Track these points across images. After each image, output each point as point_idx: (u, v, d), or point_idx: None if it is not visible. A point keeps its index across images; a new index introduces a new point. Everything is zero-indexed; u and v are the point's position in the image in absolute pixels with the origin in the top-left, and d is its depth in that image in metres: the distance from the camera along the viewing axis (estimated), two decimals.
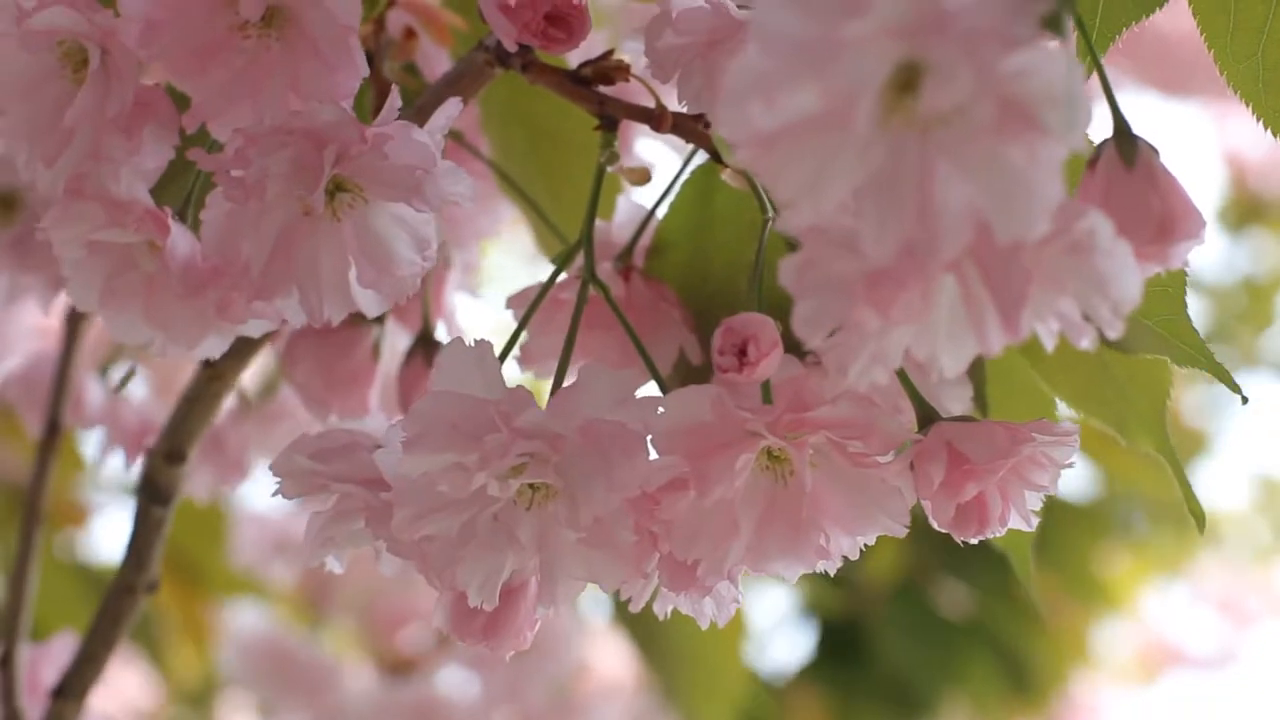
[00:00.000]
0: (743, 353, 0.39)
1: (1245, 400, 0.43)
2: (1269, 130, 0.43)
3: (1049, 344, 0.34)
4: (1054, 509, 1.56)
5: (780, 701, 1.64)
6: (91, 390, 0.74)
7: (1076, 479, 1.67)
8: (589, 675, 1.63)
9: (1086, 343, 0.33)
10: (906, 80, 0.30)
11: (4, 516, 1.41)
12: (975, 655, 1.56)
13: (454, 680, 1.35)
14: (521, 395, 0.40)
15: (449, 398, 0.40)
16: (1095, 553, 1.69)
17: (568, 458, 0.40)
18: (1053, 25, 0.30)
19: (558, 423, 0.40)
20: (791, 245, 0.34)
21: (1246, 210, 2.48)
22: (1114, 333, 0.33)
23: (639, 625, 1.25)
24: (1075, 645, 1.71)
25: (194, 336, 0.47)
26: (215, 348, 0.48)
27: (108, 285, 0.47)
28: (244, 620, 1.39)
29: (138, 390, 0.77)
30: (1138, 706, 2.50)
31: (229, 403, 0.72)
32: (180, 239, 0.45)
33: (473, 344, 0.41)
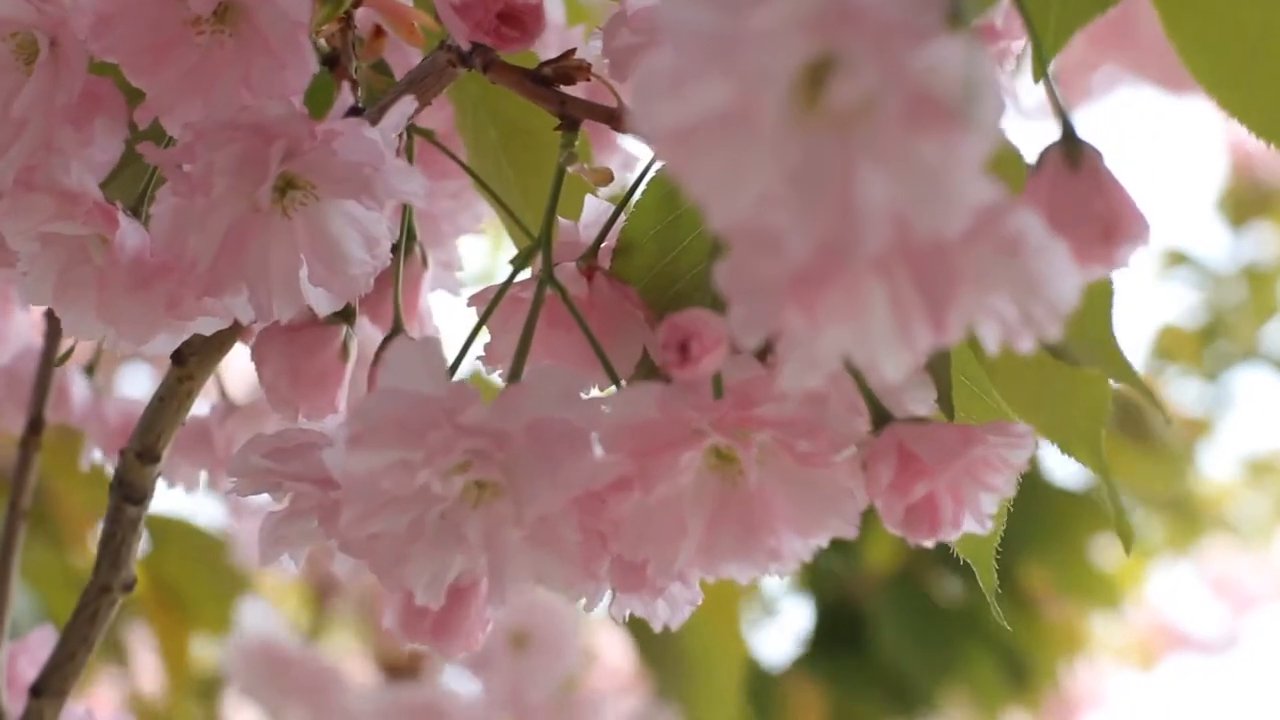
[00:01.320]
0: (684, 348, 0.38)
1: (1168, 422, 0.42)
2: (1237, 121, 0.41)
3: (991, 346, 0.32)
4: (1050, 498, 1.55)
5: (778, 690, 1.62)
6: (76, 387, 0.74)
7: (1072, 469, 1.66)
8: (595, 668, 1.63)
9: (1025, 345, 0.32)
10: (819, 75, 0.29)
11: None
12: (972, 646, 1.55)
13: (456, 682, 1.34)
14: (467, 392, 0.39)
15: (393, 394, 0.39)
16: (1094, 542, 1.67)
17: (513, 455, 0.39)
18: (957, 18, 0.29)
19: (503, 420, 0.39)
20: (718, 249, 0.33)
21: (1250, 202, 2.47)
22: (1051, 335, 0.32)
23: (639, 623, 1.25)
24: (1071, 638, 1.69)
25: (144, 332, 0.46)
26: (166, 344, 0.47)
27: (61, 279, 0.46)
28: (246, 623, 1.38)
29: (143, 385, 0.76)
30: (1139, 691, 2.50)
31: (214, 400, 0.71)
32: (130, 233, 0.44)
33: (419, 341, 0.40)
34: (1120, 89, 1.91)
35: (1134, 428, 1.75)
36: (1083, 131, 0.36)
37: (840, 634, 1.60)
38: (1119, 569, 1.73)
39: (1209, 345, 2.34)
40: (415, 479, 0.38)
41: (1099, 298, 0.40)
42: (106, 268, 0.45)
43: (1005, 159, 0.34)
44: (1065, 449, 0.45)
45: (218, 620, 1.43)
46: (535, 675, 1.23)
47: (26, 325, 0.85)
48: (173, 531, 1.42)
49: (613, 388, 0.45)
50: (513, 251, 0.52)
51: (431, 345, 0.40)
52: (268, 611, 1.45)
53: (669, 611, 0.43)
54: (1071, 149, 0.36)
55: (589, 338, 0.45)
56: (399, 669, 1.46)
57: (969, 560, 0.49)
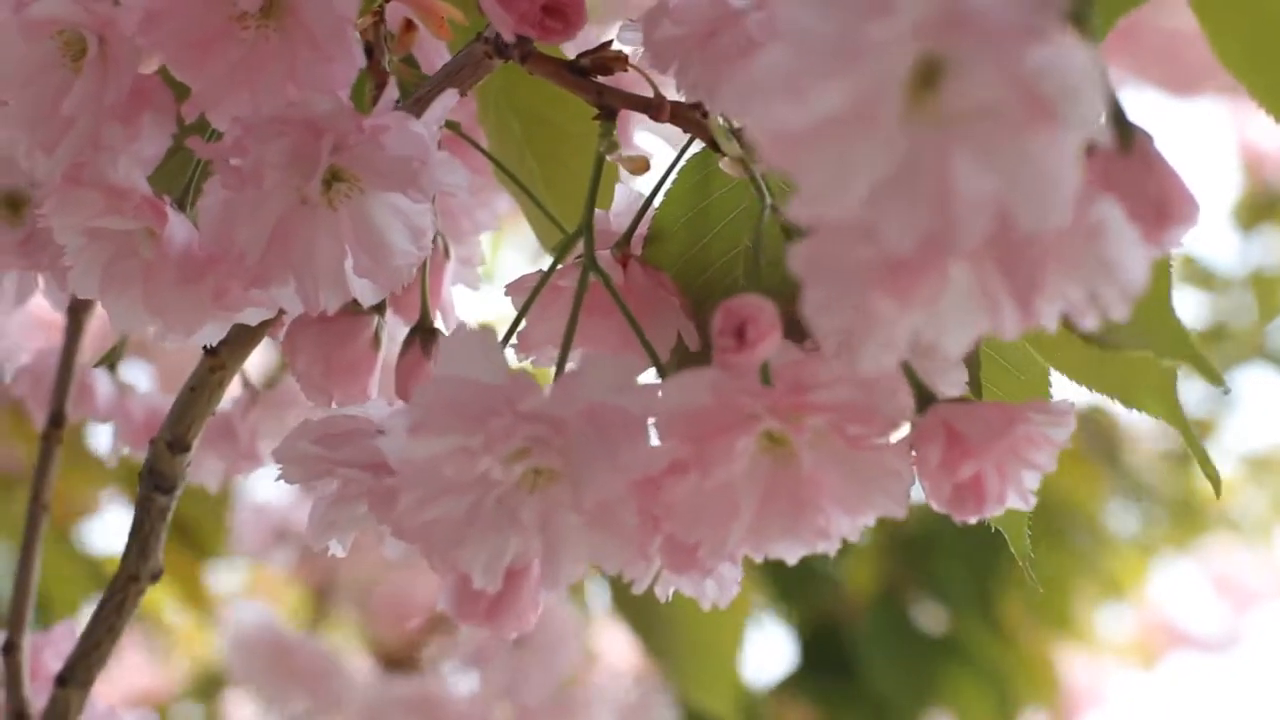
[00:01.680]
0: (741, 333, 0.38)
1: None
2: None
3: (1050, 325, 0.33)
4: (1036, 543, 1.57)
5: (765, 712, 1.64)
6: (100, 383, 0.74)
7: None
8: (594, 665, 1.63)
9: (1089, 324, 0.33)
10: (928, 75, 0.29)
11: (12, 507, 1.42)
12: (956, 672, 1.56)
13: (454, 675, 1.34)
14: (525, 380, 0.40)
15: (454, 382, 0.40)
16: (1072, 581, 1.69)
17: (571, 442, 0.40)
18: (1074, 19, 0.29)
19: (561, 407, 0.40)
20: (789, 233, 0.33)
21: (1261, 206, 2.47)
22: (1120, 315, 0.33)
23: (639, 614, 1.25)
24: (1045, 674, 1.71)
25: (192, 323, 0.47)
26: (213, 335, 0.47)
27: (107, 272, 0.46)
28: (244, 615, 1.39)
29: (142, 381, 0.76)
30: (1140, 690, 2.50)
31: (236, 392, 0.72)
32: (178, 226, 0.44)
33: (477, 331, 0.41)
34: (1125, 91, 1.92)
35: (1104, 448, 1.77)
36: (1132, 115, 0.37)
37: (826, 656, 1.61)
38: (1119, 567, 1.74)
39: (1214, 346, 2.35)
40: (476, 465, 0.39)
41: (1160, 277, 0.40)
42: (154, 261, 0.45)
43: None
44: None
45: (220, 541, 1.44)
46: (534, 671, 1.23)
47: (31, 324, 0.85)
48: None
49: (657, 372, 0.46)
50: (515, 250, 0.53)
51: (488, 335, 0.40)
52: (264, 609, 1.46)
53: (717, 590, 0.44)
54: (1123, 132, 0.37)
55: (632, 324, 0.46)
56: (396, 665, 1.47)
57: (1002, 530, 0.50)
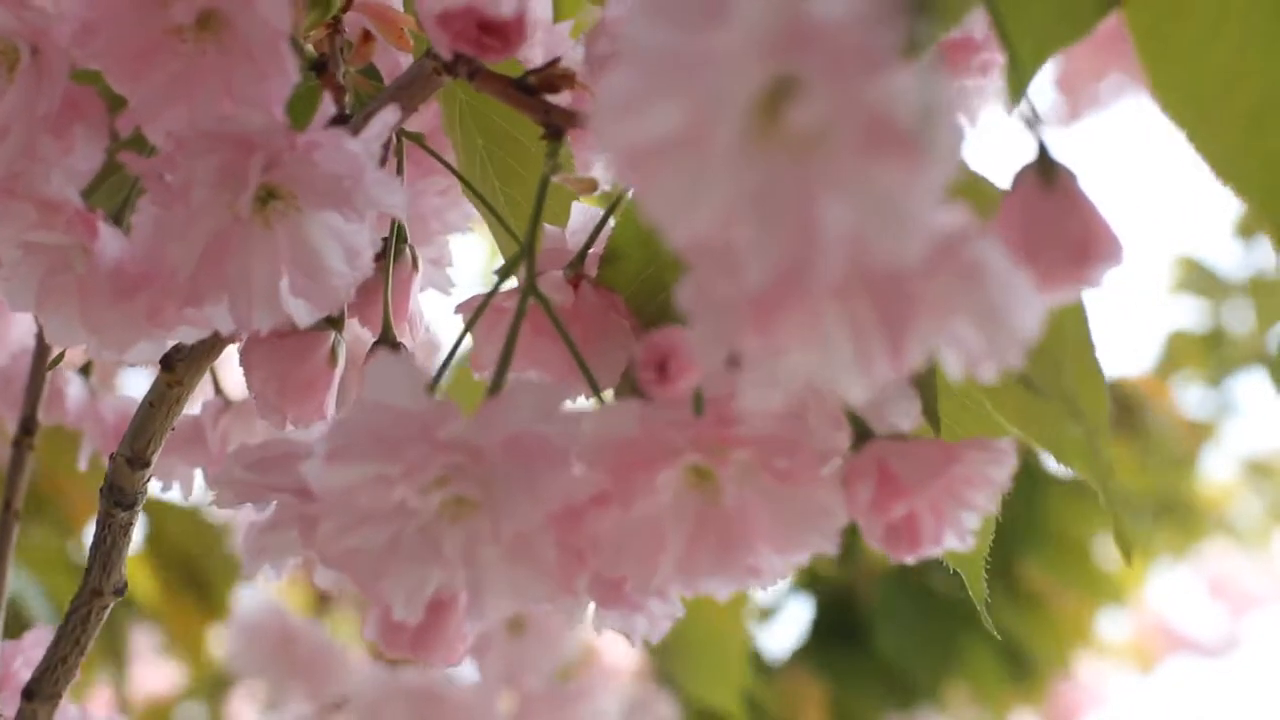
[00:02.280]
0: (662, 367, 0.37)
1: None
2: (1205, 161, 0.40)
3: (955, 373, 0.32)
4: (1051, 492, 1.53)
5: (778, 683, 1.61)
6: (71, 387, 0.73)
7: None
8: (595, 660, 1.61)
9: (987, 373, 0.32)
10: (778, 95, 0.28)
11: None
12: (972, 639, 1.53)
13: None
14: (446, 407, 0.38)
15: (371, 409, 0.38)
16: (1096, 536, 1.65)
17: (490, 471, 0.38)
18: (915, 45, 0.28)
19: (481, 435, 0.38)
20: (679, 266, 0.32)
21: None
22: (1013, 363, 0.32)
23: None
24: (1074, 631, 1.67)
25: (126, 341, 0.46)
26: (148, 353, 0.46)
27: (43, 286, 0.46)
28: (248, 602, 1.38)
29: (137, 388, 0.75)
30: (1138, 693, 2.49)
31: (207, 401, 0.71)
32: (110, 242, 0.43)
33: (398, 356, 0.40)
34: (1128, 97, 1.90)
35: (1130, 425, 1.74)
36: (1060, 150, 0.35)
37: (840, 627, 1.59)
38: (1119, 571, 1.71)
39: (1215, 350, 2.33)
40: (393, 494, 0.38)
41: (1072, 321, 0.39)
42: (88, 276, 0.45)
43: (972, 185, 0.33)
44: (1061, 460, 0.44)
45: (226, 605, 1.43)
46: (532, 661, 1.22)
47: (25, 329, 0.84)
48: (174, 517, 1.42)
49: (596, 398, 0.45)
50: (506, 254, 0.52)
51: (409, 359, 0.39)
52: (268, 597, 1.45)
53: (648, 626, 0.43)
54: (1045, 169, 0.36)
55: (571, 349, 0.45)
56: (398, 662, 1.46)
57: (959, 570, 0.48)
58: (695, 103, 0.27)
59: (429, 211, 0.63)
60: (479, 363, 0.49)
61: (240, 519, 1.38)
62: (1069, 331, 0.38)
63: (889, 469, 0.38)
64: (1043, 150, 0.36)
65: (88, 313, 0.45)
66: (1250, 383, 2.36)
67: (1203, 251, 2.44)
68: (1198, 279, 2.39)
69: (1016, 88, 0.35)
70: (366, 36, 0.54)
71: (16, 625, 1.18)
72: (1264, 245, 2.48)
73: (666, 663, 1.31)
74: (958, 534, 0.40)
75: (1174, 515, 2.04)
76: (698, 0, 0.27)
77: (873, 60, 0.26)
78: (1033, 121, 0.35)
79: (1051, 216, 0.35)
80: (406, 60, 0.57)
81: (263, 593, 1.45)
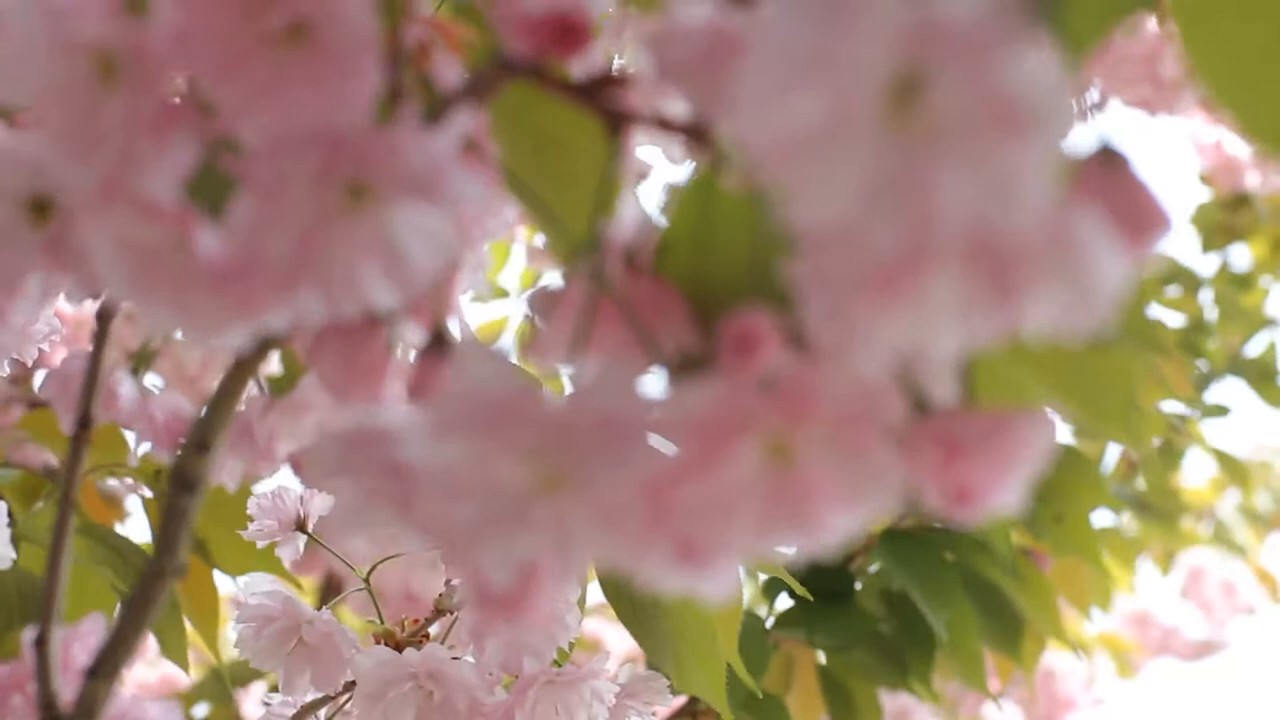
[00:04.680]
0: (743, 345, 0.39)
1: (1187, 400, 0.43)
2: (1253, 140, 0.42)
3: (1034, 333, 0.34)
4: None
5: (769, 646, 1.61)
6: (124, 386, 0.75)
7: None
8: (592, 645, 1.63)
9: (1077, 329, 0.34)
10: (905, 86, 0.30)
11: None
12: (965, 601, 1.52)
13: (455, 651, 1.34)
14: (538, 389, 0.40)
15: (470, 390, 0.40)
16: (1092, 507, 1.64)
17: (581, 447, 0.40)
18: (1040, 31, 0.30)
19: (573, 414, 0.40)
20: (791, 246, 0.34)
21: (1226, 227, 2.48)
22: (1104, 318, 0.34)
23: (630, 606, 1.24)
24: (1067, 588, 1.66)
25: (218, 328, 0.47)
26: (238, 340, 0.48)
27: (137, 278, 0.47)
28: (255, 585, 1.39)
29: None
30: (1123, 695, 2.50)
31: (252, 395, 0.72)
32: (206, 237, 0.45)
33: (489, 343, 0.41)
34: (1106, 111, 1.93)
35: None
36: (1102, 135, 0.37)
37: (832, 590, 1.58)
38: (1110, 561, 1.72)
39: (1190, 360, 2.35)
40: (491, 469, 0.40)
41: (1137, 285, 0.41)
42: (183, 268, 0.46)
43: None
44: (1099, 424, 0.46)
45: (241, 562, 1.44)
46: (531, 646, 1.23)
47: (52, 321, 0.86)
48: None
49: (662, 380, 0.46)
50: (511, 268, 0.54)
51: (499, 347, 0.41)
52: (275, 580, 1.46)
53: (717, 585, 0.45)
54: (1103, 148, 0.38)
55: (640, 333, 0.47)
56: (401, 643, 1.46)
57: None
58: (832, 94, 0.29)
59: (471, 218, 0.64)
60: (541, 352, 0.50)
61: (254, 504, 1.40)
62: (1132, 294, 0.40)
63: (951, 434, 0.40)
64: (1099, 130, 0.38)
65: (182, 303, 0.47)
66: (1233, 385, 2.38)
67: (1179, 260, 2.46)
68: (1174, 288, 2.41)
69: (1071, 65, 0.36)
70: (425, 45, 0.56)
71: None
72: (1231, 255, 2.50)
73: (655, 655, 1.32)
74: (1007, 497, 0.42)
75: (1158, 517, 2.06)
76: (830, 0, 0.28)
77: (994, 49, 0.28)
78: (1088, 107, 0.36)
79: (1109, 191, 0.37)
80: (456, 69, 0.59)
81: (270, 581, 1.46)
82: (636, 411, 0.40)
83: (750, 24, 0.30)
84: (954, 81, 0.29)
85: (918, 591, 1.45)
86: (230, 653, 1.56)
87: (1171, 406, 2.33)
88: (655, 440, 0.41)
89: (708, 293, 0.53)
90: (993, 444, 0.41)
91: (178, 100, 0.46)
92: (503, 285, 2.75)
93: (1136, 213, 0.36)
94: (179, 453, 0.61)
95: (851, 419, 0.39)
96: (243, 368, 0.56)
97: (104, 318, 0.74)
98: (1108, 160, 0.37)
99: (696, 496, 0.40)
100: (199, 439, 0.60)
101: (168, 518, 0.62)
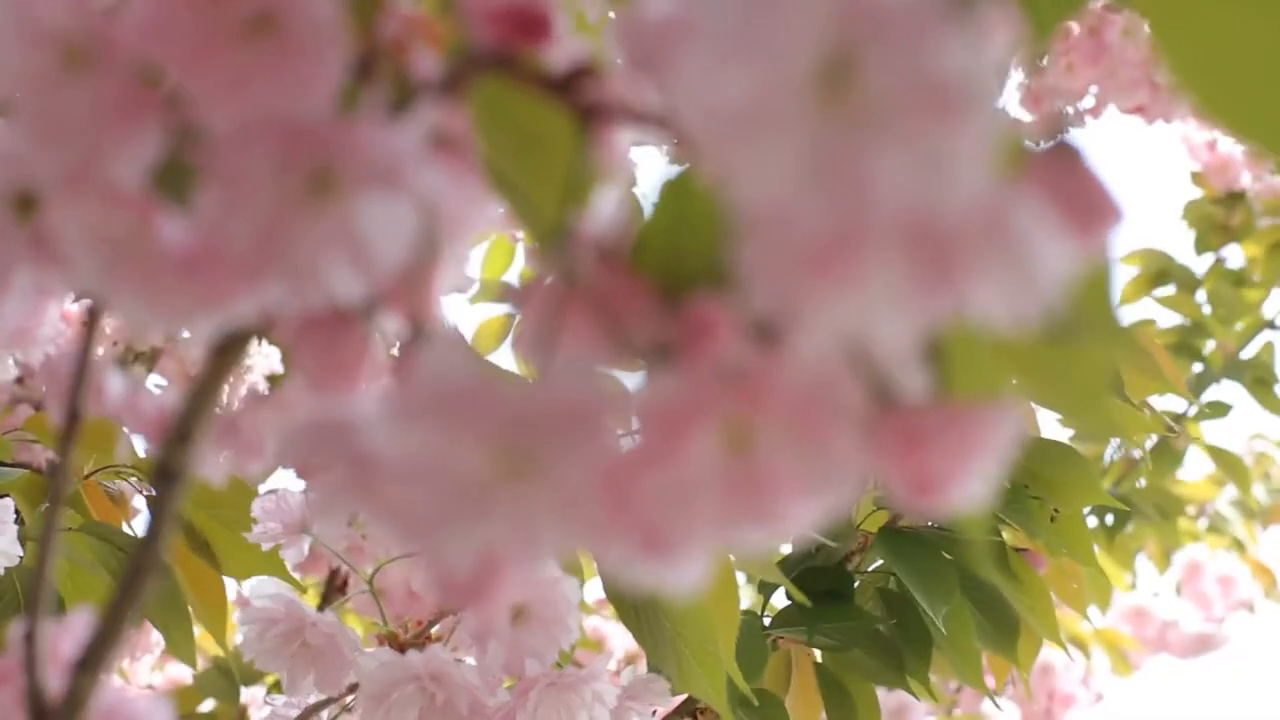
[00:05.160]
0: (701, 334, 0.39)
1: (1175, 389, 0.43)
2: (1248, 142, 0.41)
3: (987, 323, 0.33)
4: (1044, 456, 1.51)
5: (767, 647, 1.60)
6: (112, 381, 0.74)
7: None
8: (595, 646, 1.62)
9: (1020, 321, 0.33)
10: (838, 66, 0.29)
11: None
12: (959, 609, 1.51)
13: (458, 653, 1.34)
14: (501, 376, 0.40)
15: (432, 378, 0.40)
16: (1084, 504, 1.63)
17: (542, 435, 0.40)
18: (968, 9, 0.29)
19: (534, 402, 0.40)
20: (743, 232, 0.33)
21: (1220, 228, 2.47)
22: (1047, 305, 0.33)
23: (631, 608, 1.24)
24: (1059, 587, 1.65)
25: (185, 317, 0.47)
26: (202, 330, 0.48)
27: (107, 269, 0.47)
28: (260, 588, 1.39)
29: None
30: (1121, 692, 2.50)
31: (243, 389, 0.72)
32: (172, 226, 0.45)
33: (455, 332, 0.41)
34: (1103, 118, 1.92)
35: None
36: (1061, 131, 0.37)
37: (830, 590, 1.58)
38: (1103, 569, 1.71)
39: (1186, 362, 2.34)
40: (453, 456, 0.39)
41: (1098, 274, 0.40)
42: (150, 258, 0.46)
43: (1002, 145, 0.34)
44: (1065, 418, 0.45)
45: (246, 566, 1.44)
46: (534, 648, 1.23)
47: (56, 324, 0.85)
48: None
49: (630, 371, 0.46)
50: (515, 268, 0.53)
51: (462, 337, 0.41)
52: (280, 583, 1.46)
53: (683, 577, 0.44)
54: (1055, 143, 0.37)
55: (609, 326, 0.46)
56: (403, 644, 1.46)
57: (967, 535, 0.49)
58: (762, 73, 0.28)
59: (451, 212, 0.64)
60: (521, 344, 0.50)
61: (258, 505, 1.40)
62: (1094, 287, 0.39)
63: (913, 425, 0.40)
64: (1053, 120, 0.37)
65: (150, 292, 0.47)
66: (1229, 385, 2.37)
67: (1173, 261, 2.45)
68: (1173, 287, 2.40)
69: (1037, 53, 0.36)
70: (400, 36, 0.56)
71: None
72: (1225, 257, 2.50)
73: (656, 655, 1.31)
74: (970, 488, 0.41)
75: (1156, 514, 2.05)
76: None
77: (925, 30, 0.28)
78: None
79: (1057, 180, 0.36)
80: (430, 61, 0.58)
81: (275, 583, 1.46)
82: (598, 401, 0.39)
83: (692, 7, 0.29)
84: (886, 62, 0.28)
85: (917, 589, 1.44)
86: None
87: (1169, 405, 2.33)
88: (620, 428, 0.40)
89: (683, 285, 0.52)
90: (954, 434, 0.40)
91: (144, 89, 0.45)
92: (508, 285, 2.73)
93: (1085, 203, 0.36)
94: (163, 445, 0.60)
95: (809, 408, 0.39)
96: (222, 358, 0.56)
97: (93, 311, 0.74)
98: (1059, 152, 0.37)
99: (656, 485, 0.40)
100: (179, 430, 0.59)
101: (151, 511, 0.62)
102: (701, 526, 0.41)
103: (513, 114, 0.60)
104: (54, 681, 0.74)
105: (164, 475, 0.61)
